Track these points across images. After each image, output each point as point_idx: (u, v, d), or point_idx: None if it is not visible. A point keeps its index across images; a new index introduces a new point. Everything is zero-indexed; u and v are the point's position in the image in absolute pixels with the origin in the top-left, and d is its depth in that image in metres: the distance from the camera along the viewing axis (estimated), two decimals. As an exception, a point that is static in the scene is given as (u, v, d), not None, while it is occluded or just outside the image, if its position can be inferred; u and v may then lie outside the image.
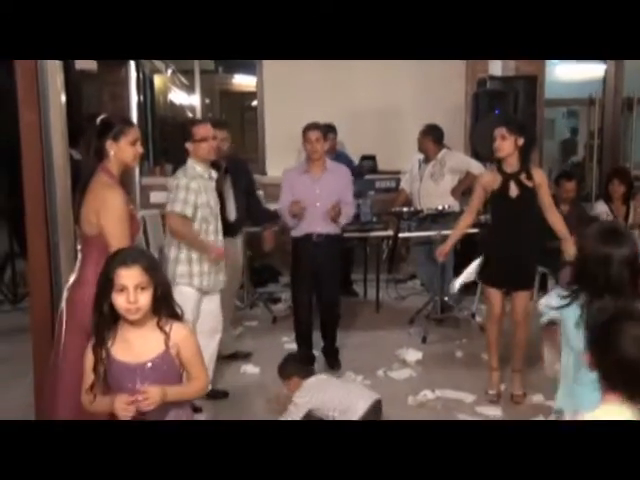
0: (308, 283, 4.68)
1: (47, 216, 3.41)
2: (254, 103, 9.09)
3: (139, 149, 3.13)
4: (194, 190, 3.82)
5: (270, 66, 7.35)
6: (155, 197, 6.73)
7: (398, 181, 6.36)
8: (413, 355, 4.93)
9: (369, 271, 6.51)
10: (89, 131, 3.12)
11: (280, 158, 7.39)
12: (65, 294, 3.13)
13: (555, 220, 4.18)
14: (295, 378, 3.80)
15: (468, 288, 5.32)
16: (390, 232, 5.92)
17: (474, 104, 6.55)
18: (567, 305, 2.38)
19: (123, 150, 3.06)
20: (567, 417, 2.33)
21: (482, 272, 4.30)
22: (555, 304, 2.43)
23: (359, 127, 6.79)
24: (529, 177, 4.07)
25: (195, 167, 3.91)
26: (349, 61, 6.97)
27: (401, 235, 5.85)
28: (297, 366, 3.89)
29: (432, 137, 5.74)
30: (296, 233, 4.62)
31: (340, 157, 6.06)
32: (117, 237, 2.91)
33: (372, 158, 7.05)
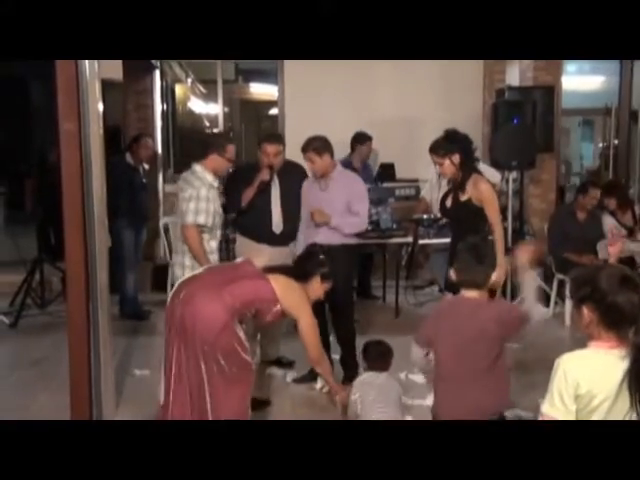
0: None
1: (85, 223, 3.50)
2: (271, 112, 9.19)
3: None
4: (212, 199, 3.97)
5: (291, 75, 7.44)
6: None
7: (417, 189, 6.43)
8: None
9: (388, 277, 6.60)
10: None
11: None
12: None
13: (496, 239, 3.96)
14: None
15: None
16: (409, 239, 5.99)
17: (493, 114, 6.63)
18: None
19: (317, 289, 3.48)
20: None
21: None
22: None
23: (378, 136, 6.86)
24: (463, 191, 4.07)
25: (206, 176, 4.05)
26: (368, 71, 7.11)
27: (421, 242, 5.93)
28: None
29: None
30: (304, 243, 4.65)
31: (366, 169, 6.13)
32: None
33: (391, 166, 7.12)
